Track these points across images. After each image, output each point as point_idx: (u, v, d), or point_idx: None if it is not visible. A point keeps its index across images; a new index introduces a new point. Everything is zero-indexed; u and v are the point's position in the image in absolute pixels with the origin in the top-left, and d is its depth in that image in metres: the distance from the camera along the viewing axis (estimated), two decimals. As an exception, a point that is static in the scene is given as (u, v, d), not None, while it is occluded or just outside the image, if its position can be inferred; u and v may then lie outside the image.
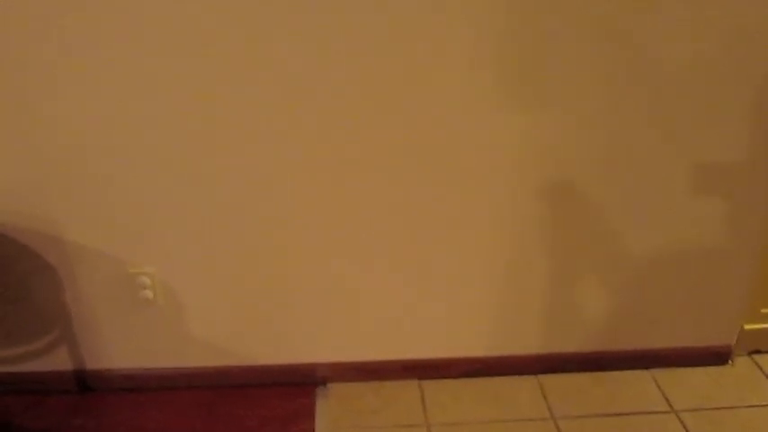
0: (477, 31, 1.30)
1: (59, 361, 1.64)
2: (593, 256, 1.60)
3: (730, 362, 1.82)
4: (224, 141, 1.39)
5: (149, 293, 1.55)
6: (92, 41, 1.27)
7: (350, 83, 1.34)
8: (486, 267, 1.59)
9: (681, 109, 1.43)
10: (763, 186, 1.55)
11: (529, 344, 1.73)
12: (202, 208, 1.46)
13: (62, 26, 1.25)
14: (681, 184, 1.52)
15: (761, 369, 1.80)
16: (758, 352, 1.85)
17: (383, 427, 1.60)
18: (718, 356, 1.80)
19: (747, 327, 1.78)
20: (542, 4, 1.29)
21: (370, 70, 1.33)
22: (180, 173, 1.42)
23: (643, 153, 1.47)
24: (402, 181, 1.46)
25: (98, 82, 1.31)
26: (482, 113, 1.39)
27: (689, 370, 1.79)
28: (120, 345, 1.63)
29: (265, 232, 1.50)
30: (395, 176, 1.46)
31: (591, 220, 1.55)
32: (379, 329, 1.66)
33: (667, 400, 1.69)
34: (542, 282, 1.63)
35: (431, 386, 1.72)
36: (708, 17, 1.33)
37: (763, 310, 1.77)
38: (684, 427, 1.61)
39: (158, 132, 1.37)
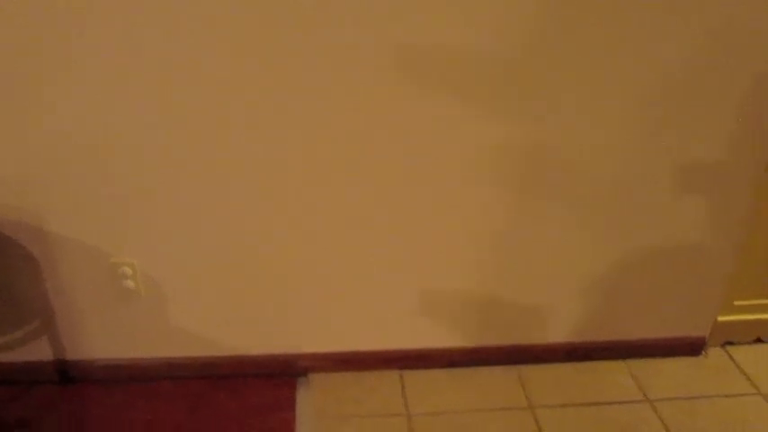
0: (469, 40, 1.32)
1: (40, 351, 1.63)
2: (573, 250, 1.63)
3: (704, 353, 1.85)
4: (207, 133, 1.39)
5: (131, 284, 1.55)
6: (77, 38, 1.26)
7: (338, 81, 1.35)
8: (467, 259, 1.61)
9: (665, 109, 1.45)
10: (741, 184, 1.58)
11: (508, 335, 1.75)
12: (184, 199, 1.47)
13: (49, 24, 1.25)
14: (662, 181, 1.55)
15: (733, 360, 1.84)
16: (731, 343, 1.89)
17: (364, 416, 1.61)
18: (692, 348, 1.84)
19: (721, 319, 1.82)
20: (526, 7, 1.31)
21: (360, 71, 1.35)
22: (162, 164, 1.42)
23: (624, 151, 1.50)
24: (385, 176, 1.48)
25: (83, 76, 1.31)
26: (467, 117, 1.41)
27: (664, 360, 1.82)
28: (102, 335, 1.63)
29: (248, 224, 1.51)
30: (377, 172, 1.47)
31: (572, 215, 1.57)
32: (360, 321, 1.68)
33: (642, 389, 1.72)
34: (522, 274, 1.65)
35: (411, 376, 1.74)
36: (692, 17, 1.35)
37: (737, 303, 1.81)
38: (659, 416, 1.64)
39: (141, 124, 1.37)
